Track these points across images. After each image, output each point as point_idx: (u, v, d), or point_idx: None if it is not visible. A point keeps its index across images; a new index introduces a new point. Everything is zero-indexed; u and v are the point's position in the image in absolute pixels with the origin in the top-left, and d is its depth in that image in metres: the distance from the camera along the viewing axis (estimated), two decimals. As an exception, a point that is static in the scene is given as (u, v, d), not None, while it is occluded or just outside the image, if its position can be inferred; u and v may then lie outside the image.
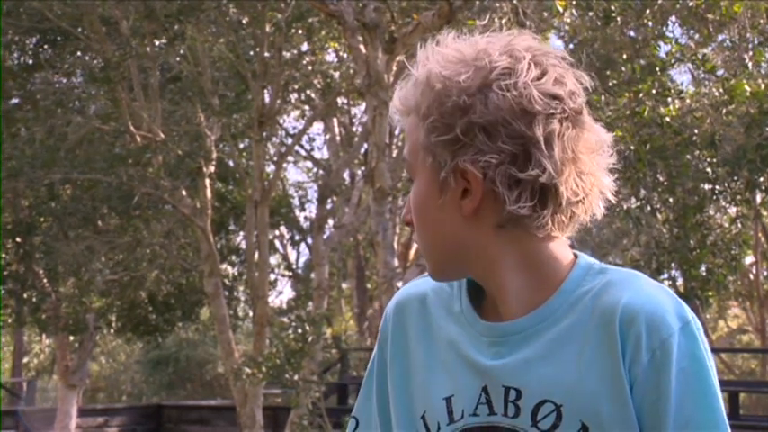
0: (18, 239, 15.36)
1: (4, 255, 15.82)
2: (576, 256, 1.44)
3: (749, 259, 17.44)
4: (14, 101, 15.09)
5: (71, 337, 16.65)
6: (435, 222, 1.40)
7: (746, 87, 8.16)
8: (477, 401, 1.40)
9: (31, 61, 14.99)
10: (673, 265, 9.16)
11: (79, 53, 14.38)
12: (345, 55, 13.09)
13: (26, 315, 16.61)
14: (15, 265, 15.73)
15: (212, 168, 13.04)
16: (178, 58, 13.16)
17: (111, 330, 17.86)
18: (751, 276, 20.16)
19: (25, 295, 15.88)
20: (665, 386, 1.32)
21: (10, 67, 14.87)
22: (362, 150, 15.17)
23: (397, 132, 12.73)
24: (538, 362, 1.37)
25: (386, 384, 1.53)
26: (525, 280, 1.40)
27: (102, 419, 17.70)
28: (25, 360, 24.39)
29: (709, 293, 9.24)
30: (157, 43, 13.00)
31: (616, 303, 1.35)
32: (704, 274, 8.71)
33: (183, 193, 12.68)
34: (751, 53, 9.20)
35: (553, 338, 1.38)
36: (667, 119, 8.25)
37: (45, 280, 15.36)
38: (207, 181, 12.89)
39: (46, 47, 14.70)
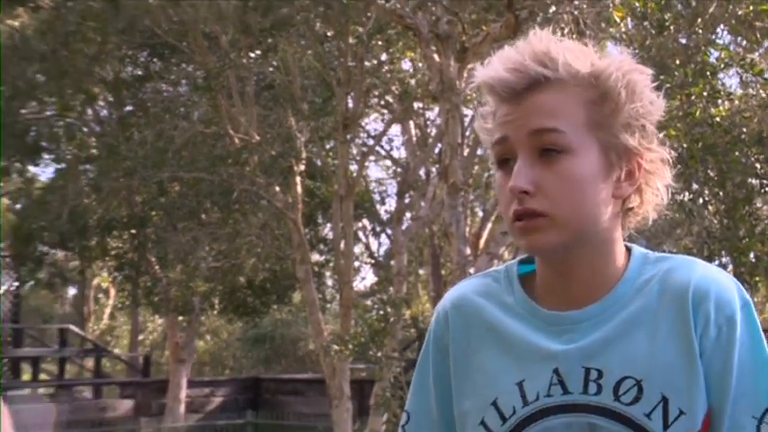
0: (133, 231, 15.70)
1: (119, 245, 16.32)
2: (627, 248, 1.44)
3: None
4: (128, 108, 15.53)
5: (180, 318, 16.95)
6: (594, 196, 1.37)
7: (792, 89, 8.05)
8: (550, 383, 1.38)
9: (142, 73, 15.32)
10: (723, 252, 9.00)
11: (184, 65, 14.63)
12: (420, 64, 13.06)
13: (141, 297, 16.97)
14: (131, 254, 16.10)
15: (302, 167, 13.10)
16: (271, 69, 13.28)
17: (215, 311, 18.14)
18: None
19: (140, 280, 16.28)
20: (730, 359, 1.33)
21: (125, 78, 15.33)
22: (436, 150, 15.16)
23: (467, 133, 12.69)
24: (614, 343, 1.36)
25: (448, 384, 1.49)
26: (604, 267, 1.41)
27: (209, 390, 18.06)
28: (141, 337, 24.82)
29: (758, 279, 9.07)
30: (253, 55, 13.15)
31: (687, 284, 1.36)
32: (753, 260, 8.54)
33: (277, 189, 12.82)
34: (797, 57, 9.07)
35: (624, 321, 1.37)
36: (717, 119, 8.09)
37: (156, 267, 15.74)
38: (297, 178, 12.98)
39: (155, 60, 14.97)
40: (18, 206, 18.73)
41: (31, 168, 17.57)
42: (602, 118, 1.36)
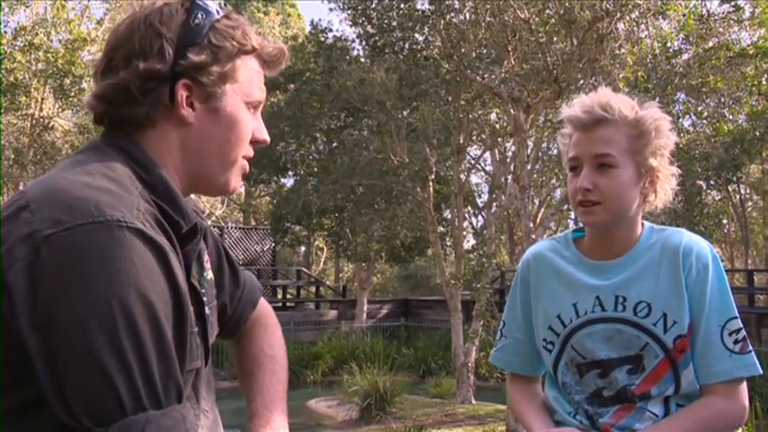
0: (336, 214, 15.74)
1: (329, 222, 16.25)
2: (642, 223, 1.37)
3: (725, 221, 16.62)
4: (334, 144, 15.58)
5: (362, 263, 16.95)
6: (629, 194, 1.29)
7: (725, 128, 7.83)
8: (593, 304, 1.33)
9: (342, 124, 15.37)
10: (684, 226, 8.76)
11: (365, 119, 14.49)
12: (502, 115, 12.73)
13: (341, 252, 17.06)
14: (335, 228, 16.19)
15: (432, 176, 12.92)
16: (415, 119, 13.06)
17: (382, 260, 17.91)
18: (725, 230, 19.07)
19: (340, 242, 16.33)
20: (704, 290, 1.29)
21: (332, 127, 15.33)
22: (512, 166, 14.75)
23: (530, 155, 12.32)
24: (633, 281, 1.31)
25: (529, 304, 1.42)
26: (628, 235, 1.34)
27: (379, 305, 18.04)
28: (341, 275, 24.75)
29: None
30: (405, 112, 13.03)
31: (678, 245, 1.31)
32: (702, 230, 8.37)
33: (418, 189, 12.70)
34: (728, 108, 8.77)
35: (640, 267, 1.32)
36: (680, 145, 8.00)
37: (350, 235, 15.73)
38: (430, 183, 12.84)
39: (349, 117, 15.01)
40: (274, 201, 18.70)
41: (282, 179, 17.73)
42: (638, 147, 1.28)
